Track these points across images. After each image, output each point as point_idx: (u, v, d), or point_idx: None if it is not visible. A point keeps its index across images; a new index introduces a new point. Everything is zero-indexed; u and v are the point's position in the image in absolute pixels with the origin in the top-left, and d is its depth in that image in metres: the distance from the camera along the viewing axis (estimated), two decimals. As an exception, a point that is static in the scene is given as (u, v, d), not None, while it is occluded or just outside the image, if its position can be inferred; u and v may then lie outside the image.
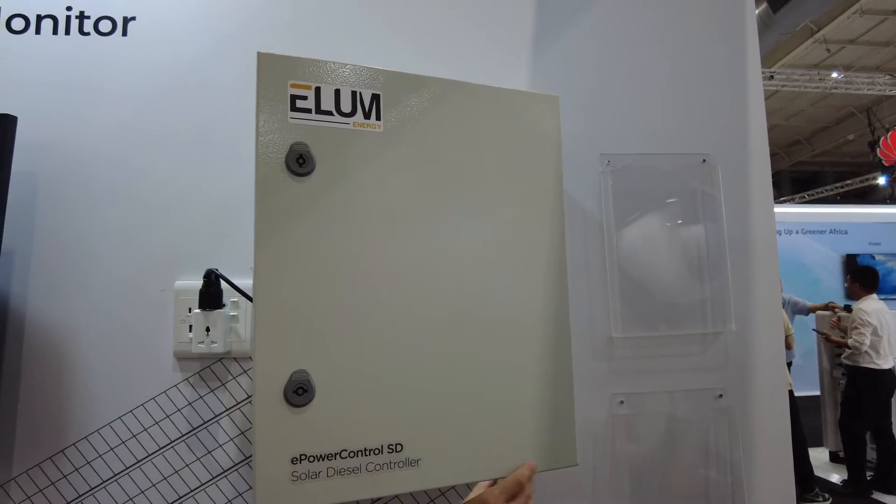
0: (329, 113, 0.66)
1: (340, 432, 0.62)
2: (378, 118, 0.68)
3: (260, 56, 0.64)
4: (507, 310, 0.73)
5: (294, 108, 0.64)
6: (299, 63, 0.65)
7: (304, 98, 0.65)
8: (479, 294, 0.71)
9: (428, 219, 0.70)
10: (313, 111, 0.65)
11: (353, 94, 0.67)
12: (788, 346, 3.51)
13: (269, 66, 0.64)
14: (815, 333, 4.05)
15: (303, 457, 0.60)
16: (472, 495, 0.70)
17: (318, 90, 0.66)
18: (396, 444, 0.64)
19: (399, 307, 0.67)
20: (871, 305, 3.47)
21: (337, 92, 0.67)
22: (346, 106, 0.67)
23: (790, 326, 3.70)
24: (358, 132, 0.67)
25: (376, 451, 0.63)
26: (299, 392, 0.60)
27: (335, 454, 0.61)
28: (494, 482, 0.71)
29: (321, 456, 0.61)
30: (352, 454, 0.62)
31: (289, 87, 0.64)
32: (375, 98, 0.68)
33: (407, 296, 0.67)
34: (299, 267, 0.63)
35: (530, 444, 0.72)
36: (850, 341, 3.45)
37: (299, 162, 0.63)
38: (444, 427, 0.67)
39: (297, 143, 0.63)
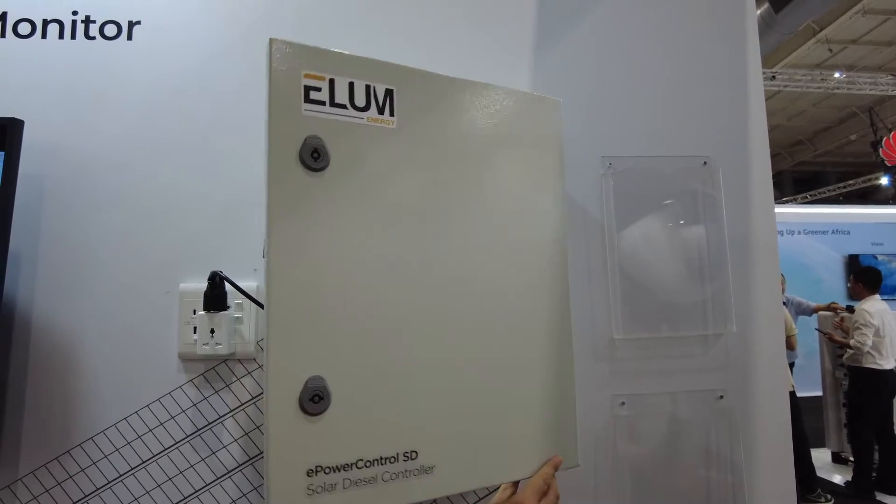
0: (343, 106, 0.62)
1: (356, 441, 0.59)
2: (392, 114, 0.66)
3: (272, 42, 0.59)
4: (511, 311, 0.73)
5: (308, 100, 0.60)
6: (313, 53, 0.62)
7: (318, 90, 0.61)
8: (485, 296, 0.70)
9: (438, 221, 0.68)
10: (327, 104, 0.61)
11: (368, 87, 0.64)
12: (792, 347, 3.50)
13: (282, 55, 0.60)
14: (817, 334, 4.05)
15: (318, 468, 0.57)
16: (498, 498, 0.70)
17: (332, 82, 0.62)
18: (412, 452, 0.62)
19: (411, 309, 0.65)
20: (874, 306, 3.47)
21: (351, 85, 0.63)
22: (360, 100, 0.64)
23: (793, 327, 3.68)
24: (372, 127, 0.64)
25: (392, 460, 0.61)
26: (315, 400, 0.57)
27: (351, 464, 0.58)
28: (516, 484, 0.71)
29: (337, 467, 0.58)
30: (367, 463, 0.59)
31: (302, 78, 0.60)
32: (389, 93, 0.66)
33: (418, 298, 0.66)
34: (315, 267, 0.59)
35: (535, 447, 0.72)
36: (852, 342, 3.44)
37: (314, 156, 0.60)
38: (456, 432, 0.66)
39: (311, 136, 0.60)
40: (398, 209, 0.65)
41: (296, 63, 0.60)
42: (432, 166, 0.69)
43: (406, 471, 0.61)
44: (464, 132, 0.71)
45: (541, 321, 0.75)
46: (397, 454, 0.61)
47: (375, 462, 0.60)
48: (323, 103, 0.61)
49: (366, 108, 0.64)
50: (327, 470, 0.57)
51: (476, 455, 0.67)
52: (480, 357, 0.69)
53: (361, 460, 0.59)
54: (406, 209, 0.66)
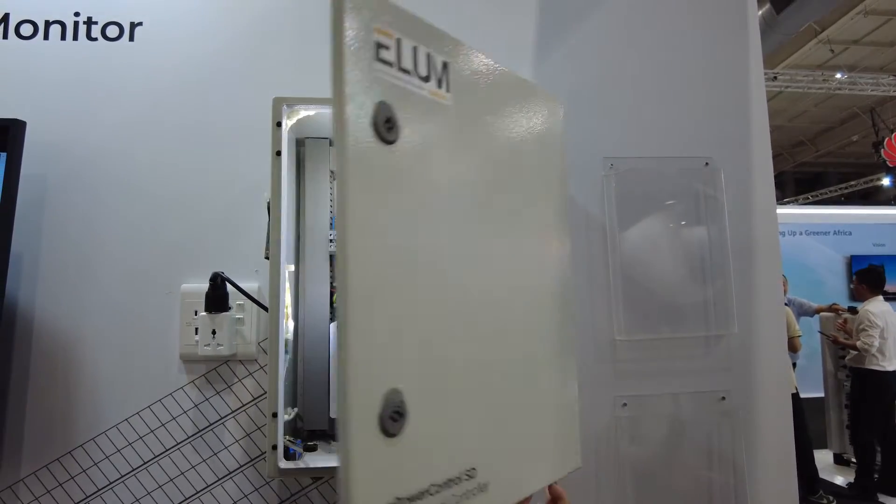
0: (409, 72, 0.54)
1: (427, 463, 0.52)
2: (448, 90, 0.58)
3: None
4: (522, 313, 0.72)
5: (378, 59, 0.51)
6: (381, 4, 0.52)
7: (388, 48, 0.52)
8: (506, 298, 0.67)
9: (487, 217, 0.63)
10: (395, 66, 0.52)
11: (429, 56, 0.56)
12: (795, 349, 3.48)
13: (352, 1, 0.51)
14: (818, 335, 4.03)
15: (398, 501, 0.47)
16: None
17: (399, 42, 0.53)
18: (471, 469, 0.55)
19: (470, 310, 0.59)
20: (877, 307, 3.46)
21: (415, 49, 0.55)
22: (422, 69, 0.55)
23: (797, 328, 3.64)
24: (433, 102, 0.56)
25: (456, 481, 0.53)
26: (395, 417, 0.48)
27: (424, 492, 0.50)
28: (528, 499, 0.70)
29: (412, 497, 0.49)
30: (437, 488, 0.51)
31: (373, 32, 0.51)
32: (445, 66, 0.59)
33: (476, 297, 0.60)
34: (392, 259, 0.50)
35: (549, 451, 0.71)
36: (858, 343, 3.43)
37: (387, 125, 0.50)
38: (501, 442, 0.61)
39: (383, 101, 0.50)
40: (461, 199, 0.58)
41: (366, 14, 0.50)
42: (476, 153, 0.62)
43: (467, 491, 0.54)
44: (497, 122, 0.67)
45: (548, 323, 0.74)
46: (460, 474, 0.54)
47: (443, 486, 0.52)
48: (391, 65, 0.52)
49: (427, 79, 0.56)
50: (405, 502, 0.49)
51: (515, 465, 0.64)
52: (508, 361, 0.65)
53: (434, 485, 0.51)
54: (467, 200, 0.59)
